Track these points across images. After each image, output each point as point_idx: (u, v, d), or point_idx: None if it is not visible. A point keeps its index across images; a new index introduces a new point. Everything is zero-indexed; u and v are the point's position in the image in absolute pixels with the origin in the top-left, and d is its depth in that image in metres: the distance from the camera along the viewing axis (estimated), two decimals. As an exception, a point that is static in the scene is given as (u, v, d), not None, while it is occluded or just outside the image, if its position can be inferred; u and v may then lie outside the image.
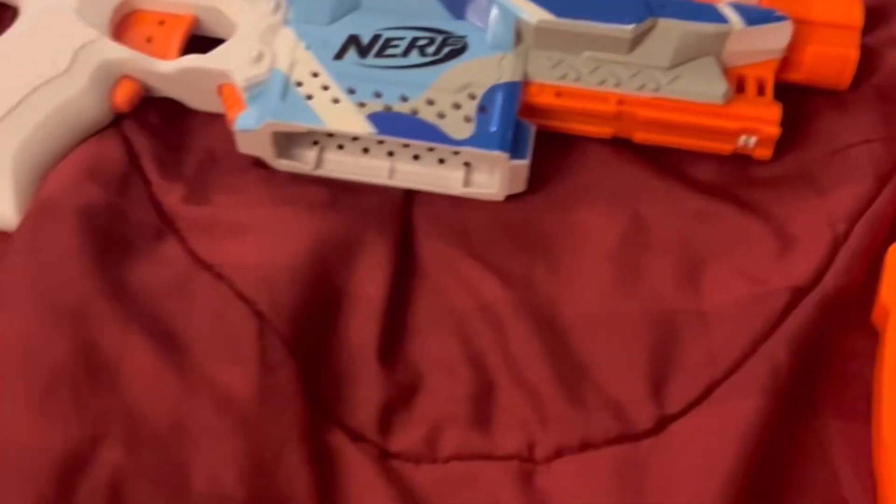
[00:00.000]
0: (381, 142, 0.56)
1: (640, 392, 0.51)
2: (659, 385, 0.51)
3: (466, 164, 0.57)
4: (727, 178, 0.57)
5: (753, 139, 0.55)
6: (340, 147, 0.57)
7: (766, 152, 0.56)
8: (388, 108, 0.55)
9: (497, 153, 0.54)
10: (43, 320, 0.50)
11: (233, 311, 0.52)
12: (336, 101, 0.55)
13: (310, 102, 0.55)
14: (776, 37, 0.56)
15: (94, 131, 0.57)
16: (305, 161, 0.57)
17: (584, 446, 0.50)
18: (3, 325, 0.50)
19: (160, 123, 0.58)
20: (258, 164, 0.57)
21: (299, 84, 0.55)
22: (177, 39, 0.58)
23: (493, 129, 0.54)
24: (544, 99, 0.56)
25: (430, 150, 0.56)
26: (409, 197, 0.57)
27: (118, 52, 0.57)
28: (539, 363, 0.51)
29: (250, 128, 0.55)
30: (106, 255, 0.53)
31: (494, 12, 0.56)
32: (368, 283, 0.54)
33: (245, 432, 0.49)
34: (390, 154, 0.57)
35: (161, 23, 0.59)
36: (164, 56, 0.58)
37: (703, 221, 0.55)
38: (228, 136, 0.57)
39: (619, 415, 0.50)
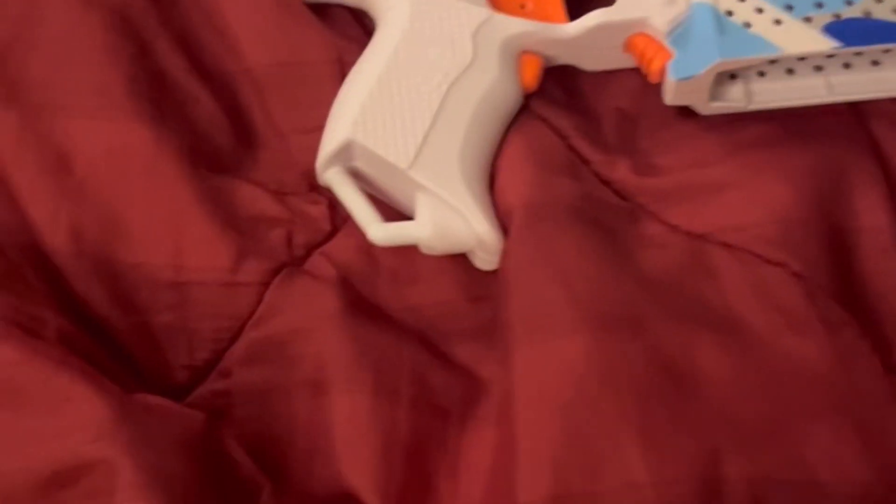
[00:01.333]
0: (802, 58, 0.50)
1: None
2: None
3: (904, 60, 0.51)
4: None
5: None
6: (761, 74, 0.51)
7: None
8: (837, 17, 0.48)
9: (978, 36, 0.48)
10: (601, 336, 0.43)
11: (770, 278, 0.45)
12: (778, 21, 0.49)
13: (752, 30, 0.48)
14: None
15: (511, 119, 0.49)
16: (736, 98, 0.50)
17: None
18: (560, 351, 0.43)
19: (563, 95, 0.51)
20: (681, 113, 0.50)
21: (729, 13, 0.49)
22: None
23: (961, 10, 0.48)
24: None
25: (858, 54, 0.50)
26: (854, 108, 0.51)
27: (517, 27, 0.49)
28: None
29: (693, 73, 0.48)
30: (611, 248, 0.46)
31: None
32: (868, 214, 0.48)
33: (838, 406, 0.44)
34: (817, 69, 0.51)
35: (529, -15, 0.51)
36: (551, 18, 0.50)
37: None
38: (632, 93, 0.52)
39: None
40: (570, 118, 0.50)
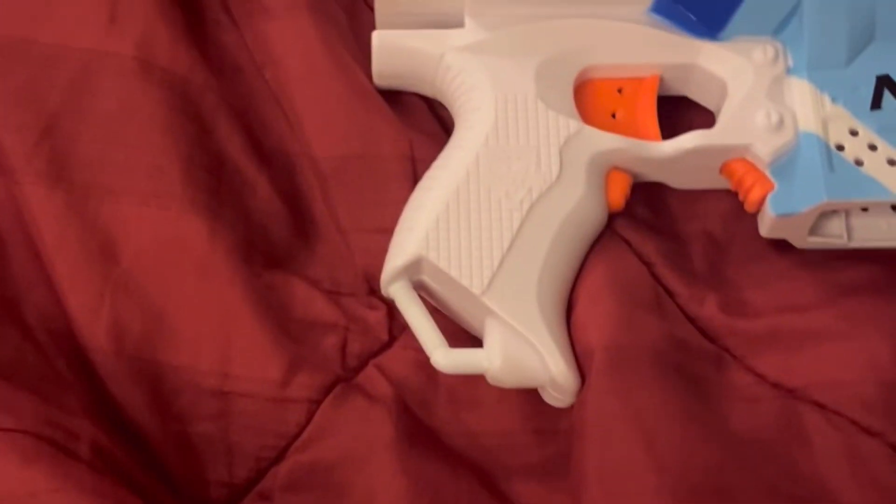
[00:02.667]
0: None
1: None
2: None
3: None
4: None
5: None
6: (864, 210, 0.47)
7: None
8: (959, 161, 0.44)
9: None
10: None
11: (866, 449, 0.42)
12: (892, 162, 0.45)
13: (863, 169, 0.45)
14: None
15: (594, 239, 0.45)
16: (836, 234, 0.46)
17: None
18: None
19: (649, 214, 0.47)
20: (775, 244, 0.47)
21: (840, 147, 0.45)
22: (650, 111, 0.47)
23: None
24: None
25: None
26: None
27: (607, 143, 0.45)
28: None
29: (796, 210, 0.44)
30: (697, 403, 0.42)
31: None
32: None
33: None
34: (926, 207, 0.47)
35: (620, 90, 0.48)
36: (641, 133, 0.47)
37: None
38: (723, 217, 0.48)
39: None
40: (656, 242, 0.46)
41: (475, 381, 0.44)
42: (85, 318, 0.43)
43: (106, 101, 0.46)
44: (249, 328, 0.43)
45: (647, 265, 0.46)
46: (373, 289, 0.46)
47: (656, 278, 0.46)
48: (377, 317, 0.46)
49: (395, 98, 0.49)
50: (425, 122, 0.49)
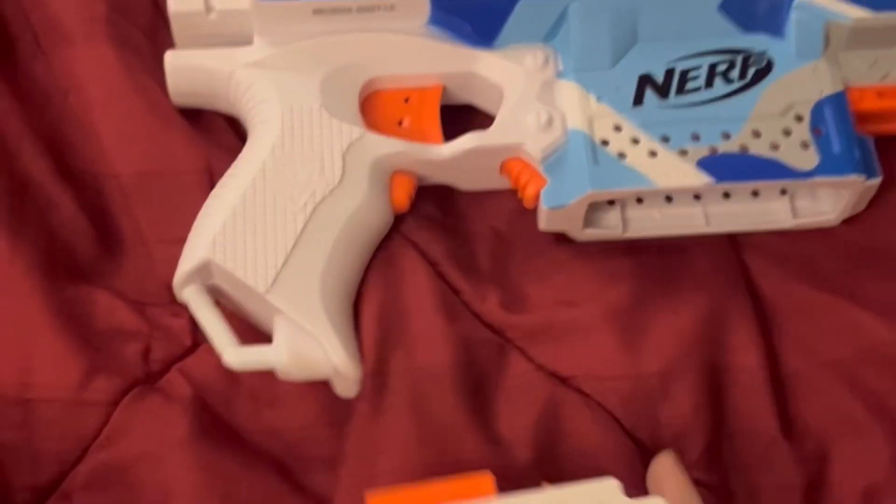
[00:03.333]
0: (681, 186, 0.50)
1: None
2: None
3: (783, 192, 0.50)
4: None
5: None
6: (639, 201, 0.50)
7: None
8: (713, 151, 0.48)
9: (854, 177, 0.48)
10: None
11: (613, 443, 0.45)
12: (653, 153, 0.48)
13: (626, 161, 0.48)
14: None
15: (379, 240, 0.48)
16: (611, 226, 0.50)
17: None
18: None
19: (439, 215, 0.50)
20: (556, 238, 0.50)
21: (605, 142, 0.48)
22: (433, 117, 0.50)
23: (838, 150, 0.48)
24: (867, 104, 0.50)
25: None
26: (731, 240, 0.51)
27: (388, 147, 0.48)
28: None
29: (565, 203, 0.48)
30: (479, 397, 0.45)
31: (797, 17, 0.50)
32: (742, 352, 0.47)
33: None
34: (696, 198, 0.50)
35: (406, 100, 0.51)
36: (426, 139, 0.50)
37: None
38: (509, 214, 0.51)
39: None
40: (443, 242, 0.49)
41: (275, 380, 0.47)
42: None
43: None
44: (49, 338, 0.46)
45: (435, 265, 0.49)
46: (175, 298, 0.49)
47: (442, 277, 0.49)
48: (181, 324, 0.48)
49: (195, 116, 0.52)
50: (224, 137, 0.51)
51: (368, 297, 0.47)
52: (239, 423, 0.47)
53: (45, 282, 0.47)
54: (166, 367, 0.47)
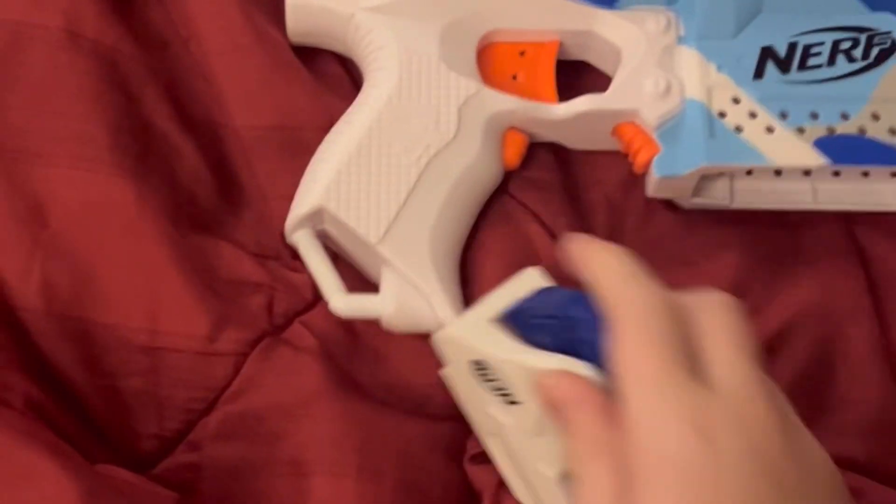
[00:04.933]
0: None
1: None
2: None
3: (894, 175, 0.50)
4: None
5: None
6: (749, 173, 0.50)
7: None
8: (831, 131, 0.48)
9: (971, 166, 0.48)
10: None
11: None
12: (770, 129, 0.48)
13: (742, 136, 0.48)
14: None
15: (488, 195, 0.49)
16: (719, 196, 0.50)
17: None
18: None
19: (546, 176, 0.51)
20: (666, 205, 0.50)
21: (722, 114, 0.48)
22: (548, 75, 0.50)
23: (958, 138, 0.48)
24: None
25: None
26: (843, 215, 0.51)
27: (505, 104, 0.49)
28: None
29: (678, 173, 0.48)
30: None
31: (928, -3, 0.49)
32: (853, 327, 0.48)
33: None
34: (806, 173, 0.50)
35: (522, 54, 0.51)
36: (539, 96, 0.50)
37: None
38: (622, 177, 0.51)
39: None
40: (552, 206, 0.49)
41: (392, 338, 0.48)
42: (15, 280, 0.46)
43: (35, 70, 0.48)
44: (177, 287, 0.46)
45: (548, 228, 0.49)
46: (296, 253, 0.49)
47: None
48: (302, 278, 0.49)
49: (316, 67, 0.51)
50: (342, 86, 0.51)
51: (486, 252, 0.48)
52: (360, 378, 0.48)
53: (170, 229, 0.47)
54: (290, 320, 0.48)
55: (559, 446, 0.39)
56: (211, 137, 0.50)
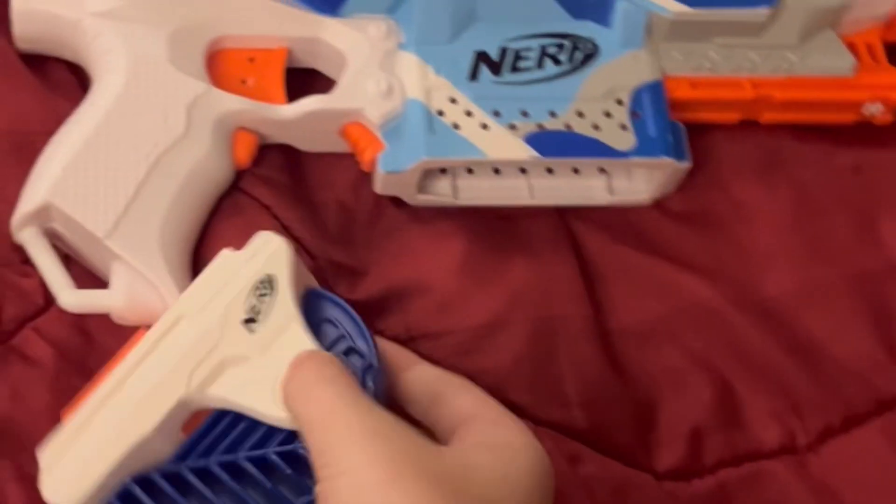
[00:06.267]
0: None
1: (880, 357, 0.51)
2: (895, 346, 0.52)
3: (602, 170, 0.54)
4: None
5: (879, 107, 0.56)
6: (470, 171, 0.53)
7: (888, 118, 0.57)
8: (541, 128, 0.51)
9: (665, 159, 0.52)
10: None
11: None
12: (485, 126, 0.51)
13: (460, 132, 0.51)
14: (885, 2, 0.56)
15: (221, 194, 0.50)
16: (442, 193, 0.53)
17: (848, 423, 0.50)
18: None
19: (279, 176, 0.52)
20: (394, 202, 0.52)
21: (441, 113, 0.51)
22: (277, 78, 0.52)
23: (653, 134, 0.52)
24: (681, 93, 0.54)
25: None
26: (559, 209, 0.54)
27: (233, 104, 0.50)
28: (770, 350, 0.51)
29: (401, 168, 0.50)
30: None
31: (623, 8, 0.53)
32: (571, 306, 0.51)
33: None
34: (523, 171, 0.54)
35: (251, 60, 0.52)
36: (268, 98, 0.51)
37: (860, 173, 0.55)
38: (351, 179, 0.53)
39: (868, 384, 0.51)
40: (285, 204, 0.51)
41: (127, 334, 0.47)
42: None
43: None
44: None
45: (284, 227, 0.50)
46: (27, 258, 0.48)
47: (295, 239, 0.50)
48: (33, 284, 0.48)
49: (45, 73, 0.52)
50: (75, 95, 0.51)
51: (219, 242, 0.48)
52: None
53: None
54: (20, 326, 0.48)
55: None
56: None
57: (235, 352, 0.41)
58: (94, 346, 0.48)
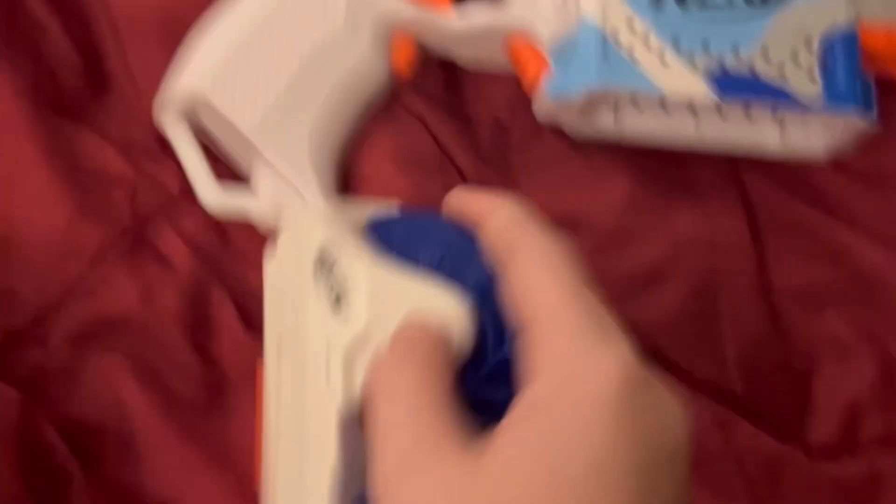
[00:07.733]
0: (678, 97, 0.49)
1: None
2: None
3: (776, 120, 0.50)
4: None
5: None
6: (634, 105, 0.50)
7: None
8: (722, 66, 0.47)
9: (852, 112, 0.48)
10: None
11: None
12: (663, 58, 0.47)
13: (635, 62, 0.47)
14: None
15: (376, 100, 0.47)
16: (605, 125, 0.49)
17: None
18: None
19: (439, 91, 0.49)
20: (553, 130, 0.49)
21: (616, 39, 0.47)
22: (444, -17, 0.48)
23: (842, 85, 0.48)
24: (875, 43, 0.50)
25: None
26: (731, 158, 0.50)
27: (395, 4, 0.46)
28: None
29: (567, 92, 0.47)
30: None
31: (823, -55, 0.49)
32: (735, 263, 0.48)
33: None
34: (692, 111, 0.50)
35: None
36: (432, 2, 0.48)
37: None
38: (510, 98, 0.49)
39: None
40: (443, 118, 0.48)
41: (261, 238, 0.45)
42: None
43: None
44: (36, 173, 0.43)
45: (436, 138, 0.47)
46: (165, 146, 0.46)
47: (447, 154, 0.47)
48: (168, 173, 0.46)
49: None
50: None
51: (368, 148, 0.46)
52: (229, 279, 0.45)
53: (32, 112, 0.44)
54: (153, 215, 0.45)
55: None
56: (79, 18, 0.47)
57: (347, 337, 0.34)
58: (230, 247, 0.46)
